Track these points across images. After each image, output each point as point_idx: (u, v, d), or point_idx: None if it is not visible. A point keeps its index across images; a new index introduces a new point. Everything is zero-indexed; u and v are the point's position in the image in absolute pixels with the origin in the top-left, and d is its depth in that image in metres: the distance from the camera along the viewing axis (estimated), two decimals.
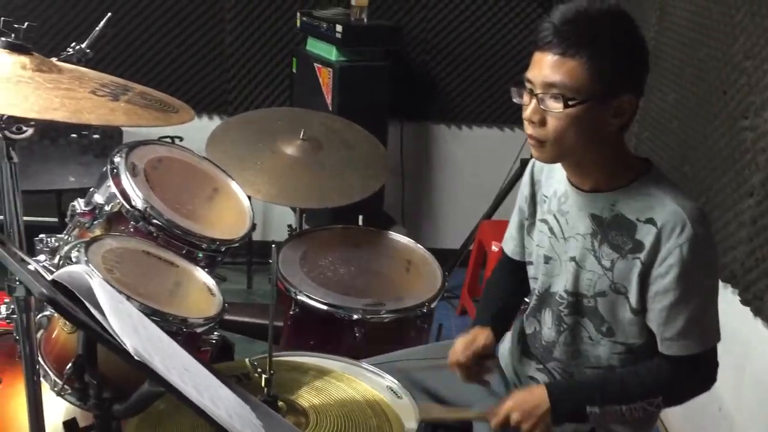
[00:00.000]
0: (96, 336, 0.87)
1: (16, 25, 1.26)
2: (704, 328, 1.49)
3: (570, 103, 1.38)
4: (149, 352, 0.86)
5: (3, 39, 1.25)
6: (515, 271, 1.79)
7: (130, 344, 0.84)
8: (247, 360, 1.39)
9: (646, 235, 1.45)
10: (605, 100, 1.40)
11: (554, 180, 1.63)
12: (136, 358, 0.84)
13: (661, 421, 2.80)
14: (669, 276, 1.43)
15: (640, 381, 1.52)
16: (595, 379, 1.58)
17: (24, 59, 1.24)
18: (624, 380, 1.53)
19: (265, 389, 1.27)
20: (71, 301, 0.96)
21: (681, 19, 2.72)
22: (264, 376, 1.27)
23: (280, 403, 1.30)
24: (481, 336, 1.68)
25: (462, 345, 1.66)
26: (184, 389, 0.87)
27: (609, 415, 1.50)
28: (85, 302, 0.90)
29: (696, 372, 1.52)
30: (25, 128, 1.22)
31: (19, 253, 1.03)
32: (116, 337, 0.85)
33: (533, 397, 1.51)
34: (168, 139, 2.72)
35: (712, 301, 1.49)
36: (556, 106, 1.39)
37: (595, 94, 1.38)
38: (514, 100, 1.49)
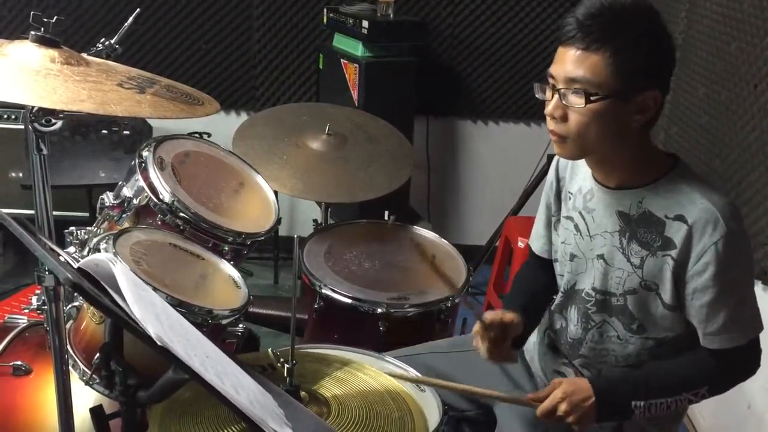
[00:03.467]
0: (120, 321, 0.89)
1: (45, 19, 1.28)
2: (746, 320, 1.48)
3: (592, 98, 1.37)
4: (171, 339, 0.87)
5: (33, 33, 1.28)
6: (543, 268, 1.78)
7: (152, 330, 0.85)
8: (269, 350, 1.40)
9: (677, 232, 1.43)
10: (628, 95, 1.38)
11: (579, 177, 1.62)
12: (158, 343, 0.85)
13: (689, 419, 2.77)
14: (706, 274, 1.42)
15: (684, 374, 1.50)
16: (639, 372, 1.56)
17: (53, 52, 1.27)
18: (668, 373, 1.51)
19: (288, 379, 1.28)
20: (98, 289, 0.98)
21: (710, 12, 2.69)
22: (286, 365, 1.28)
23: (303, 393, 1.31)
24: (509, 313, 1.65)
25: (491, 314, 1.64)
26: (206, 376, 0.88)
27: (654, 409, 1.48)
28: (109, 289, 0.92)
29: (740, 362, 1.51)
30: (54, 120, 1.25)
31: (48, 243, 1.05)
32: (140, 324, 0.87)
33: (580, 389, 1.48)
34: (196, 135, 2.75)
35: (751, 293, 1.48)
36: (578, 102, 1.38)
37: (617, 89, 1.36)
38: (537, 96, 1.48)
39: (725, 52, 2.54)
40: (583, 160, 1.55)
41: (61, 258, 1.11)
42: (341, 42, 3.32)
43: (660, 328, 1.53)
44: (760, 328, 1.50)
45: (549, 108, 1.44)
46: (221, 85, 3.58)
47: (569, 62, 1.39)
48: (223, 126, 2.81)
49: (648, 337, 1.55)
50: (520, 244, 3.06)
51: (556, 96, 1.42)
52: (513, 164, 3.73)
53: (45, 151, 1.30)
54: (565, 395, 1.48)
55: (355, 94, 3.22)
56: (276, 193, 2.12)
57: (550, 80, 1.44)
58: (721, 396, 1.55)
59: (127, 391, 1.08)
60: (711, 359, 1.49)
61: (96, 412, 1.11)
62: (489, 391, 1.59)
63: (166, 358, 0.86)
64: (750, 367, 1.53)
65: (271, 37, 3.53)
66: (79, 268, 1.00)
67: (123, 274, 0.93)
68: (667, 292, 1.48)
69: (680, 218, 1.43)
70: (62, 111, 1.22)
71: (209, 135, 3.05)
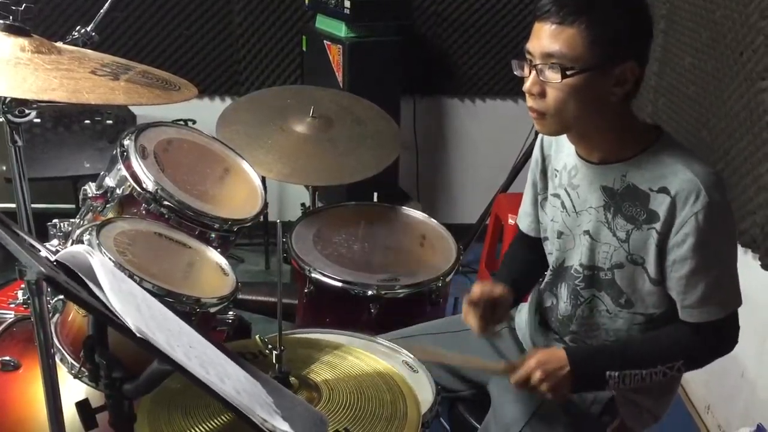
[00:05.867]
0: (98, 314, 0.87)
1: (13, 7, 1.25)
2: (724, 293, 1.46)
3: (568, 72, 1.35)
4: (152, 330, 0.86)
5: (1, 21, 1.24)
6: (532, 246, 1.77)
7: (131, 322, 0.83)
8: (257, 337, 1.39)
9: (660, 204, 1.42)
10: (605, 68, 1.36)
11: (563, 153, 1.61)
12: (138, 335, 0.83)
13: (682, 388, 2.78)
14: (686, 244, 1.41)
15: (660, 346, 1.50)
16: (615, 344, 1.57)
17: (23, 41, 1.24)
18: (644, 345, 1.52)
19: (277, 365, 1.27)
20: (76, 281, 0.96)
21: None
22: (275, 352, 1.27)
23: (292, 379, 1.29)
24: (498, 287, 1.66)
25: (479, 288, 1.64)
26: (189, 366, 0.86)
27: (628, 380, 1.48)
28: (87, 281, 0.90)
29: (717, 337, 1.50)
30: (27, 111, 1.22)
31: (24, 236, 1.03)
32: (119, 316, 0.85)
33: (555, 358, 1.49)
34: (180, 122, 2.72)
35: (731, 267, 1.47)
36: (554, 77, 1.37)
37: (594, 62, 1.35)
38: (516, 73, 1.46)
39: (710, 20, 2.52)
40: (566, 136, 1.54)
41: (40, 252, 1.09)
42: (324, 23, 3.28)
43: (648, 303, 1.52)
44: (738, 303, 1.49)
45: (527, 85, 1.42)
46: (204, 71, 3.55)
47: (545, 37, 1.37)
48: (208, 112, 2.78)
49: (636, 312, 1.54)
50: (511, 221, 3.05)
51: (533, 72, 1.40)
52: (501, 141, 3.71)
53: (20, 143, 1.28)
54: (539, 364, 1.48)
55: (339, 76, 3.19)
56: (263, 178, 2.10)
57: (528, 56, 1.42)
58: (714, 365, 1.55)
59: (112, 384, 1.07)
60: (688, 333, 1.48)
61: (82, 405, 1.09)
62: (464, 358, 1.60)
63: (147, 349, 0.85)
64: (727, 343, 1.52)
65: (253, 20, 3.49)
66: (57, 261, 0.98)
67: (101, 265, 0.91)
68: (652, 266, 1.47)
69: (664, 190, 1.42)
70: (35, 101, 1.19)
71: (194, 122, 3.03)
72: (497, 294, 1.63)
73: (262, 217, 1.99)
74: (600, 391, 1.55)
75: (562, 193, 1.60)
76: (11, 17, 1.24)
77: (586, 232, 1.55)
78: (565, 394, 1.50)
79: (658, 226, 1.43)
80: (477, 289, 1.64)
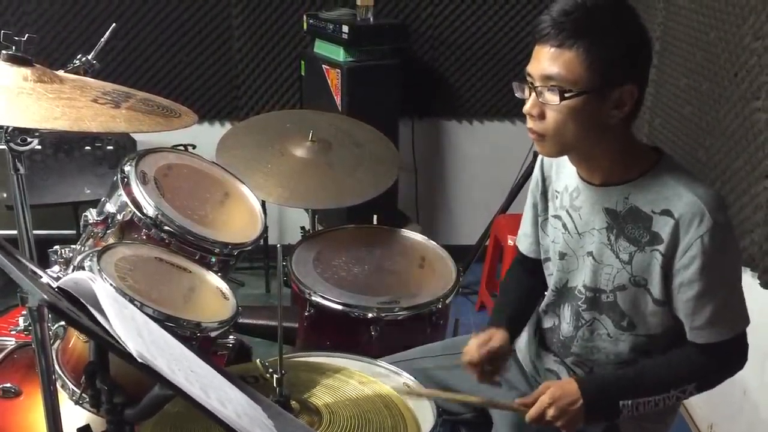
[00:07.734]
0: (100, 340, 0.87)
1: (16, 38, 1.27)
2: (732, 313, 1.47)
3: (566, 95, 1.37)
4: (153, 355, 0.86)
5: (4, 52, 1.26)
6: (531, 269, 1.77)
7: (133, 347, 0.84)
8: (258, 361, 1.39)
9: (663, 226, 1.43)
10: (604, 91, 1.37)
11: (564, 175, 1.61)
12: (139, 360, 0.84)
13: (685, 408, 2.77)
14: (692, 267, 1.41)
15: (672, 370, 1.50)
16: (627, 372, 1.55)
17: (25, 71, 1.25)
18: (656, 372, 1.51)
19: (277, 389, 1.27)
20: (78, 307, 0.97)
21: (688, 2, 2.69)
22: (275, 376, 1.27)
23: (293, 403, 1.30)
24: (496, 336, 1.65)
25: (476, 344, 1.64)
26: (191, 390, 0.87)
27: (642, 408, 1.48)
28: (89, 307, 0.91)
29: (727, 357, 1.51)
30: (30, 139, 1.23)
31: (26, 263, 1.04)
32: (120, 341, 0.86)
33: (568, 392, 1.48)
34: (180, 147, 2.73)
35: (738, 287, 1.48)
36: (552, 99, 1.38)
37: (592, 85, 1.36)
38: (517, 95, 1.48)
39: (704, 41, 2.55)
40: (567, 158, 1.55)
41: (42, 278, 1.10)
42: (322, 47, 3.32)
43: (650, 324, 1.53)
44: (747, 322, 1.49)
45: (527, 106, 1.43)
46: (204, 96, 3.57)
47: (544, 60, 1.38)
48: (208, 137, 2.80)
49: (638, 334, 1.54)
50: (510, 242, 3.06)
51: (533, 94, 1.42)
52: (499, 162, 3.73)
53: (22, 171, 1.29)
54: (553, 400, 1.47)
55: (338, 99, 3.21)
56: (263, 202, 2.11)
57: (528, 79, 1.43)
58: None
59: (114, 410, 1.07)
60: (698, 355, 1.49)
61: None
62: (478, 398, 1.59)
63: (148, 374, 0.85)
64: (737, 363, 1.52)
65: (252, 46, 3.52)
66: (59, 288, 0.99)
67: (103, 291, 0.92)
68: (656, 287, 1.47)
69: (667, 213, 1.43)
70: (37, 130, 1.20)
71: (194, 147, 3.05)
72: (496, 346, 1.63)
73: (262, 240, 2.00)
74: (614, 420, 1.54)
75: (564, 214, 1.61)
76: (14, 47, 1.26)
77: (590, 254, 1.55)
78: (578, 425, 1.50)
79: (661, 248, 1.44)
80: (473, 347, 1.63)
